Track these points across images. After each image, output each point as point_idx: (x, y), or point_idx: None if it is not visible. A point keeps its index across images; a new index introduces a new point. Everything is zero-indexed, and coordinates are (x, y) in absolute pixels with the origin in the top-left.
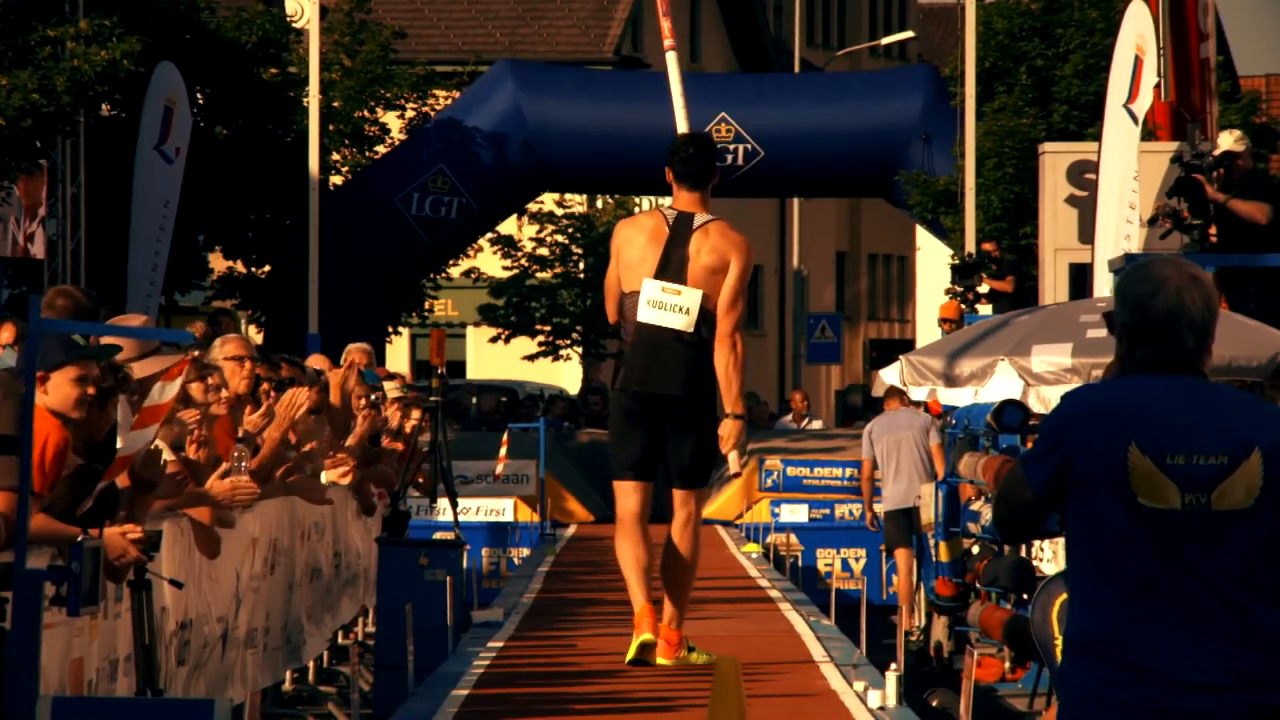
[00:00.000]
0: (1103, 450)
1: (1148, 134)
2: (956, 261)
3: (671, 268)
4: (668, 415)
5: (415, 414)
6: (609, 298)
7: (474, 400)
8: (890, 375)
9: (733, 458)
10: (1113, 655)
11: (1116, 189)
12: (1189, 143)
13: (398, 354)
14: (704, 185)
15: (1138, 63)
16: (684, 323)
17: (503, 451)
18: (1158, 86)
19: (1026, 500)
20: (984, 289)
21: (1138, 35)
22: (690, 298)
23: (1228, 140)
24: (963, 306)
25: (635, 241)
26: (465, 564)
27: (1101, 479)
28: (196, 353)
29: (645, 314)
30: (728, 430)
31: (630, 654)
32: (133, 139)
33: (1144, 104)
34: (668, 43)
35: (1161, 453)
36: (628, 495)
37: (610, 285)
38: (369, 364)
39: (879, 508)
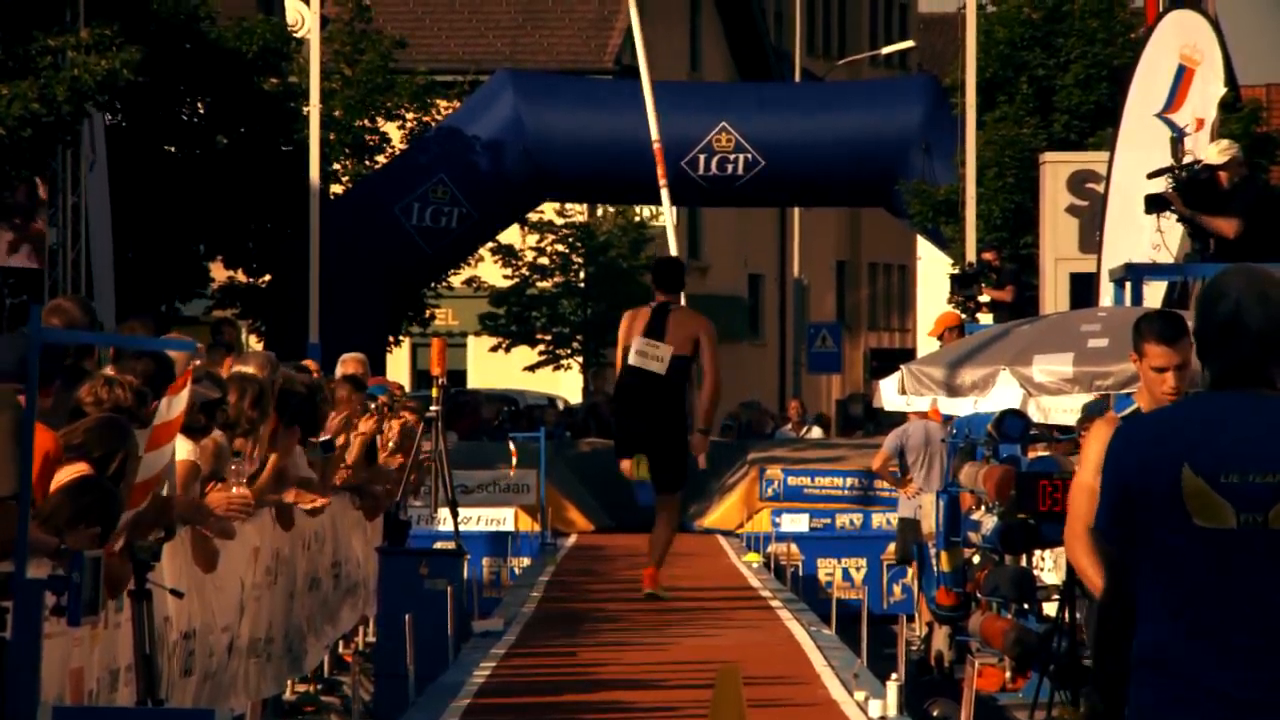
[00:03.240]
0: (1155, 473)
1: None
2: (956, 271)
3: (654, 333)
4: (650, 437)
5: (396, 424)
6: (622, 332)
7: (477, 409)
8: (891, 385)
9: (701, 458)
10: (1169, 671)
11: (1138, 199)
12: (1173, 155)
13: (398, 363)
14: (676, 291)
15: (1185, 73)
16: (659, 368)
17: (514, 462)
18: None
19: (1115, 555)
20: (984, 299)
21: (1184, 45)
22: (665, 351)
23: (1211, 153)
24: (963, 316)
25: (634, 322)
26: (466, 573)
27: (1156, 501)
28: (198, 362)
29: (633, 359)
30: (698, 441)
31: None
32: (132, 147)
33: (1192, 114)
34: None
35: (1215, 473)
36: (630, 467)
37: (622, 344)
38: (364, 373)
39: (894, 516)
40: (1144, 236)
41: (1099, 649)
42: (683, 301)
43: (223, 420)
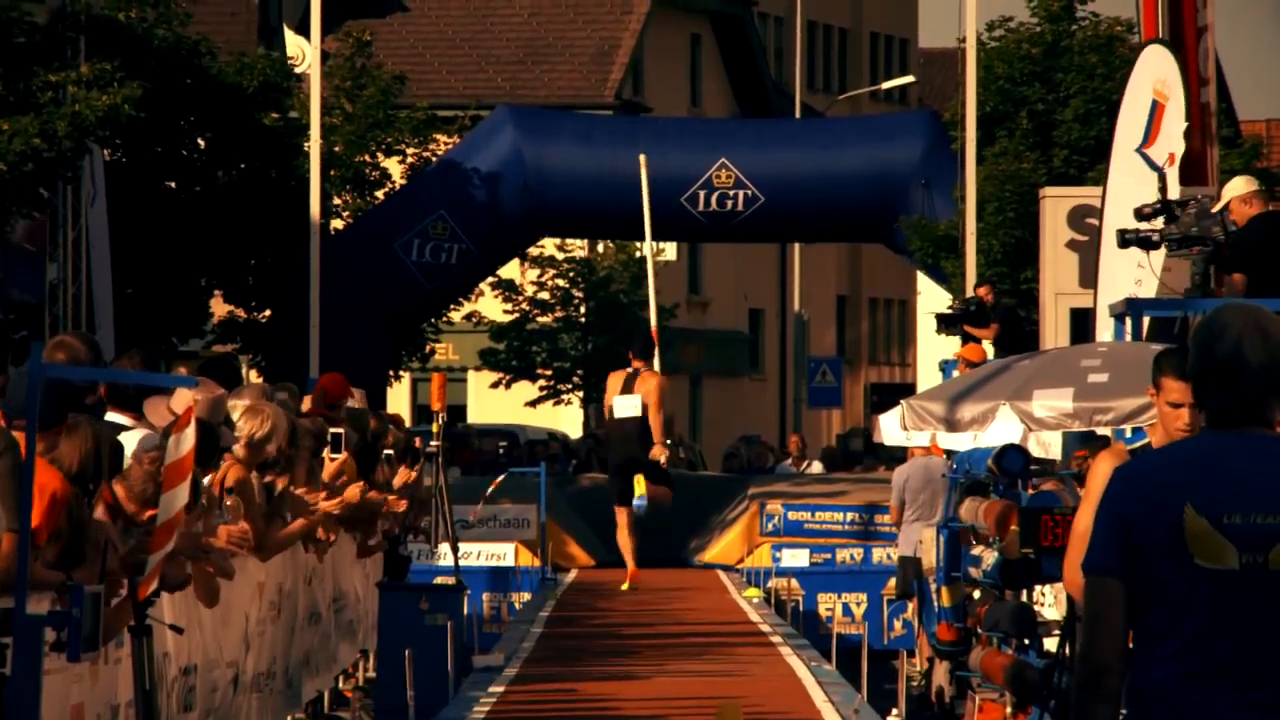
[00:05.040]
0: (1157, 512)
1: None
2: (947, 310)
3: (628, 389)
4: (634, 466)
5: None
6: (606, 391)
7: (475, 445)
8: (891, 419)
9: (663, 459)
10: (1167, 712)
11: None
12: (1159, 192)
13: (399, 398)
14: (648, 359)
15: (1157, 108)
16: (635, 412)
17: (489, 490)
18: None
19: (1115, 595)
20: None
21: (1157, 80)
22: (636, 400)
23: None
24: (985, 350)
25: (615, 383)
26: (466, 609)
27: (1158, 541)
28: (198, 397)
29: (617, 410)
30: (658, 450)
31: (624, 587)
32: (132, 182)
33: (1166, 149)
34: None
35: (1218, 513)
36: (620, 514)
37: (607, 402)
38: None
39: (895, 551)
40: (1132, 273)
41: (1082, 698)
42: (655, 362)
43: (254, 456)
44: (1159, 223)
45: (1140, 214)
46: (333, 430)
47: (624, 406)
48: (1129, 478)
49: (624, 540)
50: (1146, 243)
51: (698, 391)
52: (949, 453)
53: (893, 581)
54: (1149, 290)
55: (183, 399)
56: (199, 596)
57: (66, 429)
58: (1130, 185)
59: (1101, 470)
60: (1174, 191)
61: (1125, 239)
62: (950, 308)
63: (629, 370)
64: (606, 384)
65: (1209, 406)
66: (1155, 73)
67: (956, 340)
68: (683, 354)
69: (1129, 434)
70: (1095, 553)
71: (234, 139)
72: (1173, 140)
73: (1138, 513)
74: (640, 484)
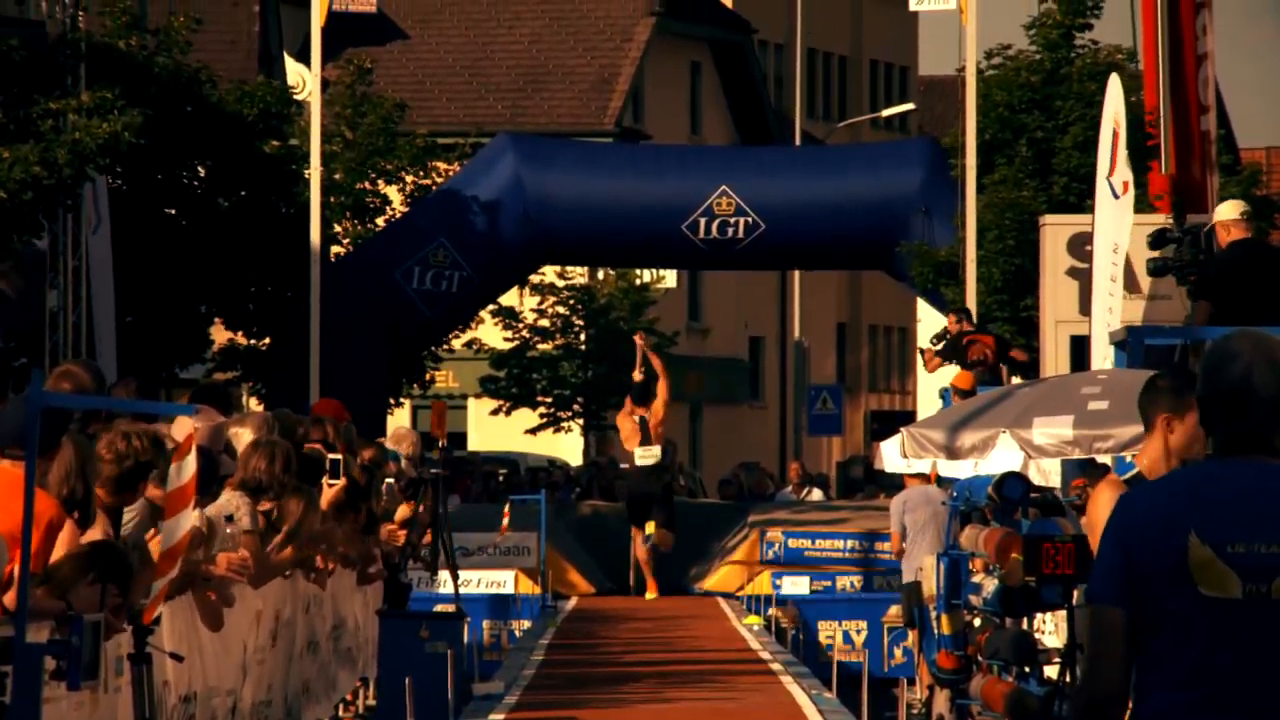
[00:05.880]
0: (1162, 541)
1: (1149, 206)
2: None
3: (645, 441)
4: (650, 501)
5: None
6: (623, 437)
7: (476, 473)
8: (891, 447)
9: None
10: None
11: (1104, 261)
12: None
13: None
14: (647, 404)
15: (1115, 137)
16: (654, 460)
17: (504, 523)
18: (1156, 160)
19: (1118, 624)
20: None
21: (1116, 110)
22: (655, 450)
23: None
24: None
25: (629, 430)
26: (466, 636)
27: (1161, 569)
28: (198, 425)
29: (638, 460)
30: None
31: (649, 596)
32: (132, 209)
33: (1122, 178)
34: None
35: (1222, 542)
36: (636, 535)
37: (623, 429)
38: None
39: (894, 578)
40: (1105, 300)
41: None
42: (661, 391)
43: (254, 484)
44: (1171, 249)
45: (1150, 243)
46: (331, 456)
47: (644, 456)
48: (1132, 505)
49: (643, 557)
50: (1165, 269)
51: (698, 419)
52: (942, 481)
53: (893, 609)
54: (1118, 320)
55: (183, 427)
56: (204, 621)
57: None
58: (1105, 213)
59: (1104, 499)
60: (1125, 220)
61: (1152, 267)
62: (931, 342)
63: (637, 419)
64: (620, 428)
65: (1215, 434)
66: (1115, 103)
67: (956, 367)
68: (683, 381)
69: (1130, 460)
70: (1098, 581)
71: (234, 167)
72: (1125, 168)
73: (1141, 541)
74: (651, 528)
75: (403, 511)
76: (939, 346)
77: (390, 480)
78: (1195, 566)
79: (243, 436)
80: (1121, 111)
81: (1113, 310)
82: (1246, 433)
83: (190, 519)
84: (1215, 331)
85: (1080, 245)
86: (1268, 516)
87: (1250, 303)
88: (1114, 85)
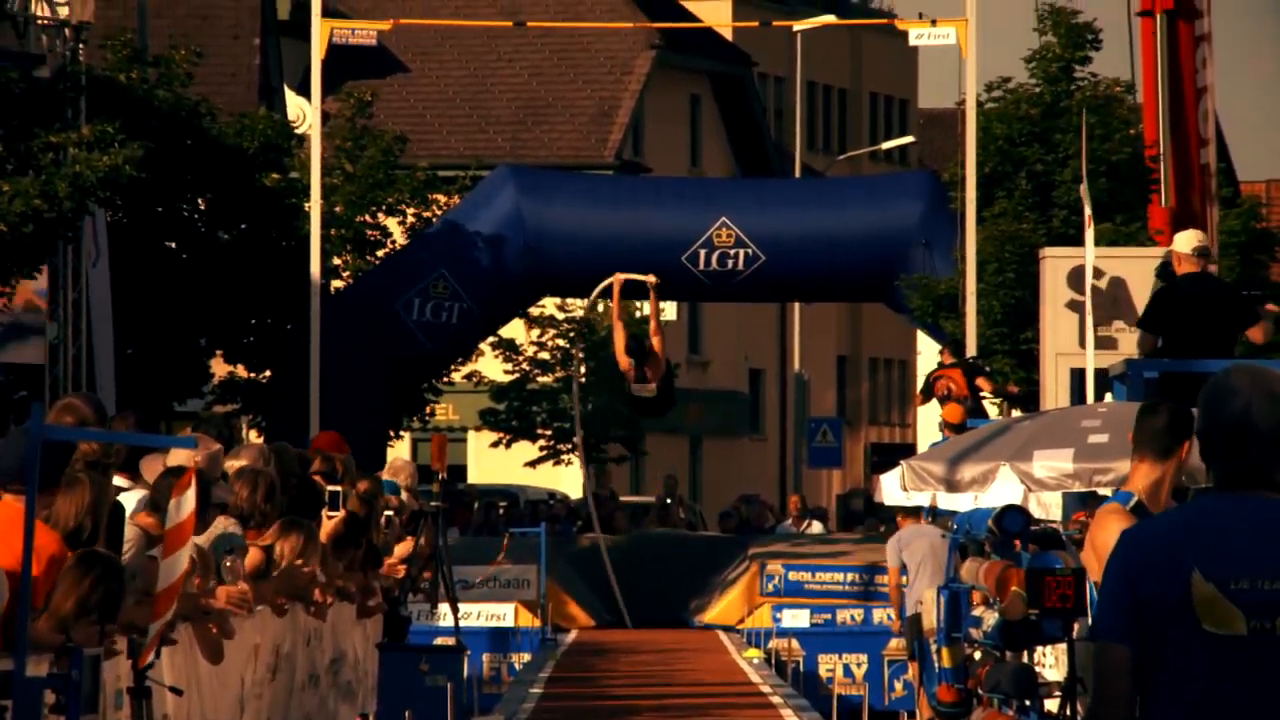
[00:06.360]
0: (1166, 578)
1: (1150, 240)
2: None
3: (640, 376)
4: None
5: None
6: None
7: (475, 505)
8: (891, 480)
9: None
10: None
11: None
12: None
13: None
14: (644, 362)
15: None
16: (651, 395)
17: (501, 555)
18: (1156, 192)
19: (1123, 661)
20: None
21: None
22: (652, 387)
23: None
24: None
25: (624, 361)
26: (466, 670)
27: (1165, 606)
28: (197, 459)
29: (634, 391)
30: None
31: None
32: (133, 242)
33: (1087, 210)
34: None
35: (1226, 579)
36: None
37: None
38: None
39: (893, 610)
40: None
41: None
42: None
43: (236, 513)
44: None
45: (1157, 274)
46: (330, 488)
47: (641, 391)
48: (1136, 541)
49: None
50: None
51: (698, 452)
52: (939, 513)
53: (893, 642)
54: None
55: (178, 459)
56: (203, 654)
57: (65, 484)
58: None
59: (1110, 526)
60: (1090, 255)
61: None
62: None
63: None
64: (618, 361)
65: (1215, 468)
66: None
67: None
68: (683, 414)
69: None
70: (1103, 618)
71: (235, 199)
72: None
73: (1145, 577)
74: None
75: (403, 548)
76: (920, 385)
77: (390, 513)
78: (1199, 603)
79: (235, 467)
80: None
81: (1084, 343)
82: (1246, 467)
83: (188, 557)
84: (1209, 365)
85: (1080, 278)
86: (1270, 553)
87: (1193, 336)
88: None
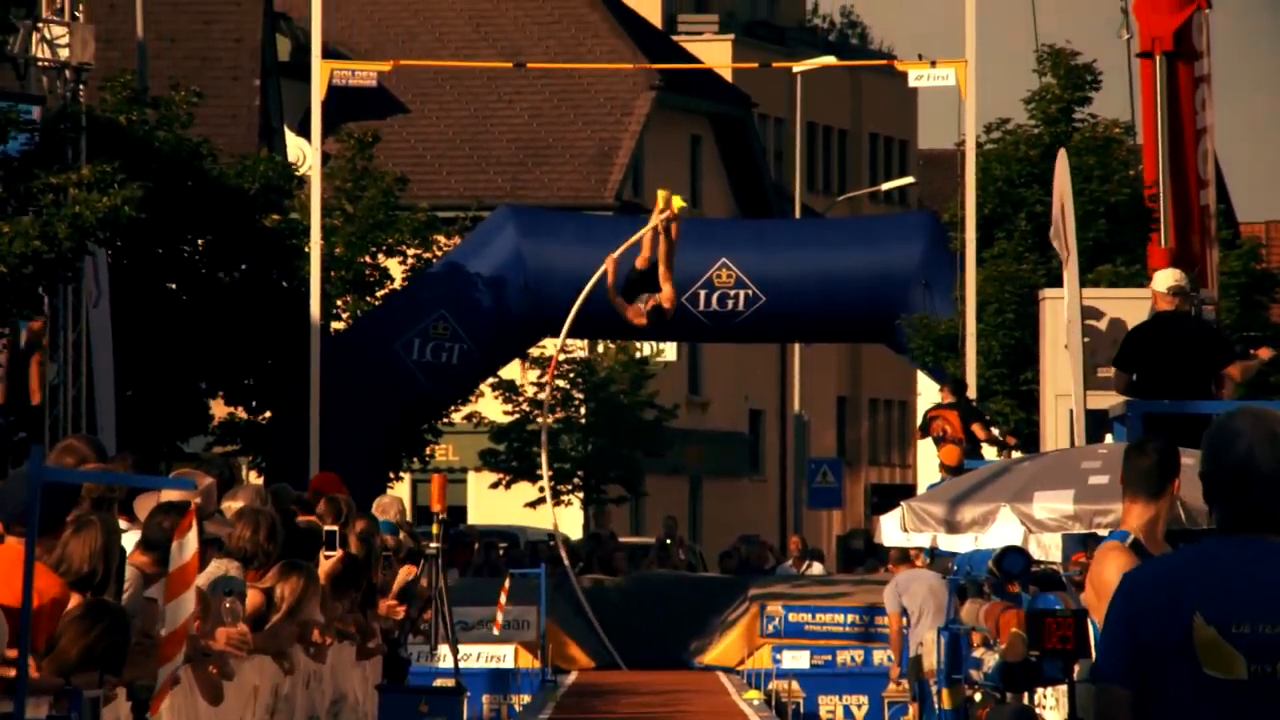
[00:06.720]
0: (1167, 622)
1: (1149, 281)
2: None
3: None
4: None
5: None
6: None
7: (475, 546)
8: (891, 521)
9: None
10: None
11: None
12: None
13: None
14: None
15: (1064, 210)
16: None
17: (502, 599)
18: (1155, 231)
19: (1125, 703)
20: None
21: (1061, 182)
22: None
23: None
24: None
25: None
26: (466, 711)
27: (1166, 649)
28: (198, 500)
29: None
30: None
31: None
32: (133, 283)
33: (1068, 246)
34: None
35: (1227, 622)
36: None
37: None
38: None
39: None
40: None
41: None
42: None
43: (240, 555)
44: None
45: None
46: (327, 528)
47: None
48: (1137, 584)
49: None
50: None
51: (698, 492)
52: (937, 555)
53: (892, 685)
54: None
55: (174, 498)
56: (203, 695)
57: (76, 526)
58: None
59: (1112, 564)
60: (1068, 296)
61: None
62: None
63: (649, 307)
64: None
65: (1218, 511)
66: (1060, 176)
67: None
68: (683, 455)
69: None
70: (1104, 660)
71: (235, 240)
72: (1070, 237)
73: (1146, 619)
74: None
75: (402, 574)
76: (919, 423)
77: (388, 553)
78: (1200, 647)
79: (234, 509)
80: (1065, 186)
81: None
82: (1250, 510)
83: (193, 600)
84: (1215, 406)
85: (1080, 319)
86: (1272, 597)
87: (1165, 374)
88: (1061, 155)
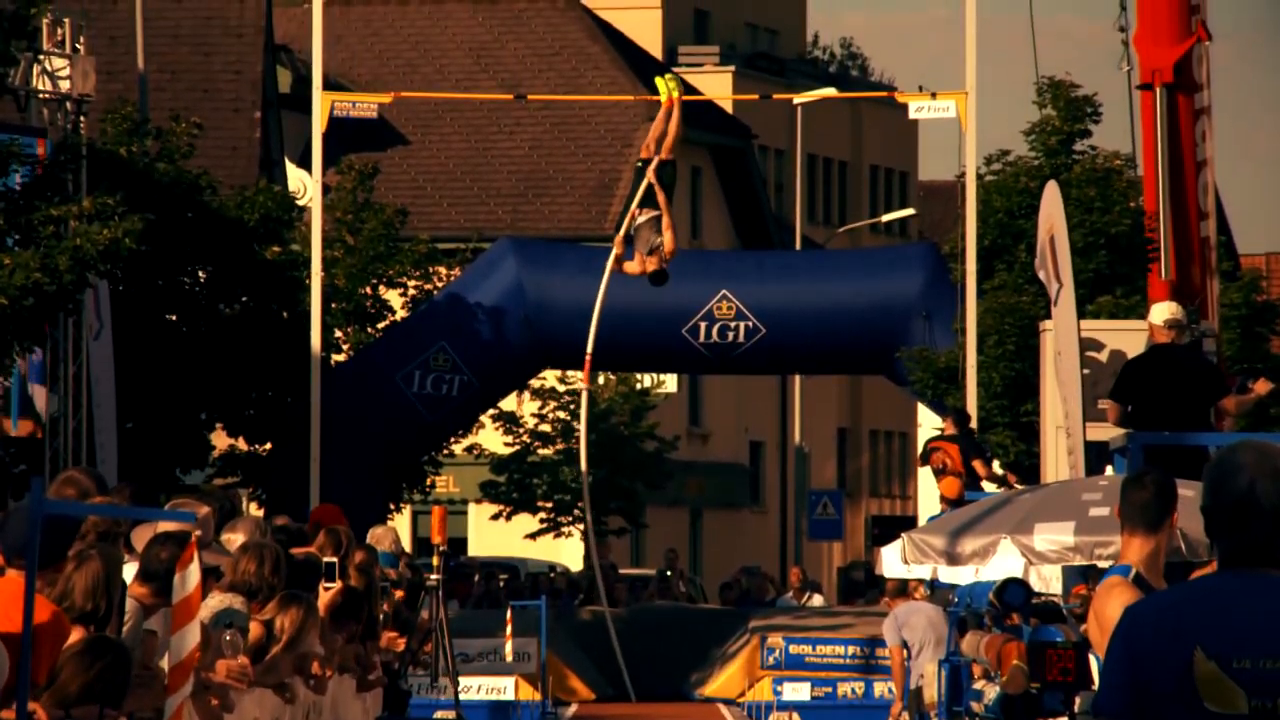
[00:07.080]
0: (1168, 656)
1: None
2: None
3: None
4: None
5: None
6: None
7: (475, 578)
8: (892, 552)
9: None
10: None
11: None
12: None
13: (399, 531)
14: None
15: (1054, 240)
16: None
17: (508, 630)
18: (1155, 262)
19: None
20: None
21: (1052, 212)
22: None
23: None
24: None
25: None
26: None
27: (1166, 685)
28: (199, 533)
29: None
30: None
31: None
32: (133, 315)
33: (1060, 275)
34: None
35: (1228, 657)
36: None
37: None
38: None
39: (893, 683)
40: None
41: None
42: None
43: (244, 588)
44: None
45: None
46: (326, 560)
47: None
48: (1138, 618)
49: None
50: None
51: (698, 524)
52: (937, 587)
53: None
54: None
55: (173, 529)
56: None
57: (77, 560)
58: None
59: (1114, 601)
60: (1057, 328)
61: None
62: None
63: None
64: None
65: (1220, 546)
66: (1049, 206)
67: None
68: (683, 486)
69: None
70: (1104, 695)
71: (235, 272)
72: (1064, 267)
73: (1147, 654)
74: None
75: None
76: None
77: (386, 584)
78: (1201, 682)
79: (235, 541)
80: (1057, 215)
81: (1068, 416)
82: (1250, 545)
83: (198, 630)
84: (1216, 439)
85: (1081, 351)
86: (1272, 632)
87: (1159, 407)
88: (1051, 187)
